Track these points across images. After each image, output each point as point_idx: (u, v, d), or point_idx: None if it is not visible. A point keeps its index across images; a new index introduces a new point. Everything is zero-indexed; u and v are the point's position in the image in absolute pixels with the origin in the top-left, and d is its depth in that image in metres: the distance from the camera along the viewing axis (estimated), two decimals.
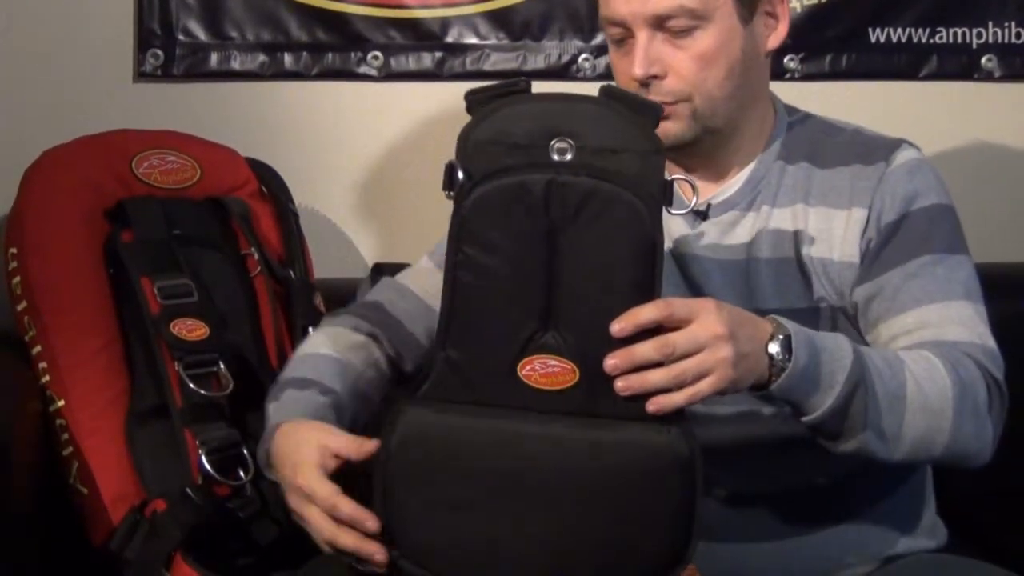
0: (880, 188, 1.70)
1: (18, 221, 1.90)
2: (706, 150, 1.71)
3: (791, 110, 1.79)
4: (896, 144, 1.74)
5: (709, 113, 1.68)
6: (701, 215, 1.74)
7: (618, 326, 1.44)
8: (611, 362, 1.44)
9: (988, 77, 2.45)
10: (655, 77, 1.65)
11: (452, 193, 1.45)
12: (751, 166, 1.74)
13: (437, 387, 1.48)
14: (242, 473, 1.80)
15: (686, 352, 1.44)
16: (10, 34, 2.26)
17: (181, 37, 2.30)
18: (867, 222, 1.70)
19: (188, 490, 1.76)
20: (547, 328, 1.46)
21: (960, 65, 2.45)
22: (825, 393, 1.52)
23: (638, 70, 1.65)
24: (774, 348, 1.51)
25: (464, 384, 1.47)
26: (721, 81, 1.67)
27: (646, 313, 1.44)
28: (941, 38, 2.44)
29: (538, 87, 1.53)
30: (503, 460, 1.47)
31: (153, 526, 1.75)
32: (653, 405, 1.44)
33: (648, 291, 1.46)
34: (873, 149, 1.74)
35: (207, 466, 1.78)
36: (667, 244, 1.68)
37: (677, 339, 1.44)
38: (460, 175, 1.45)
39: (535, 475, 1.47)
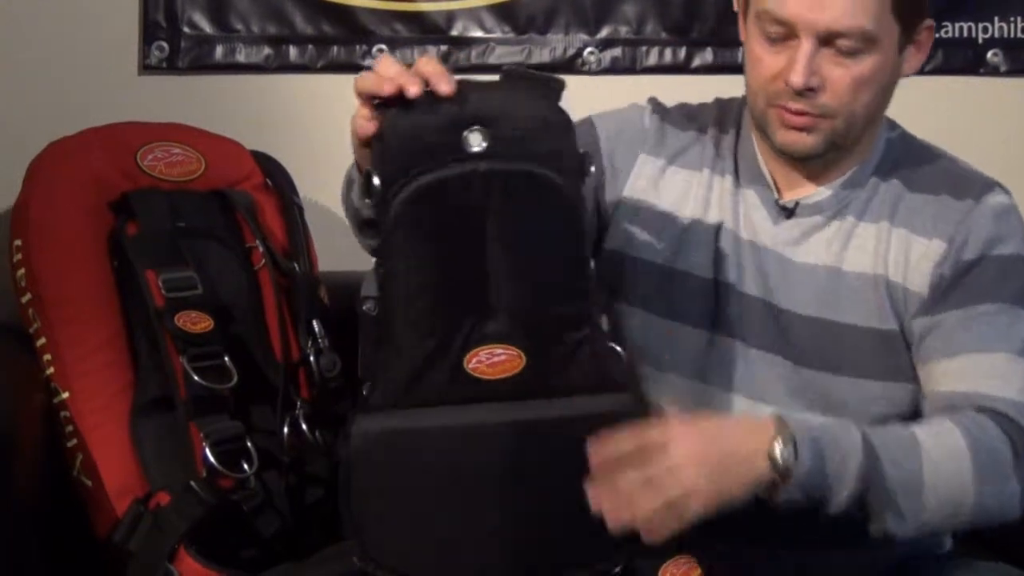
0: (963, 225, 1.68)
1: (23, 213, 1.90)
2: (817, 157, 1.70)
3: (889, 125, 1.77)
4: (989, 185, 1.73)
5: (845, 133, 1.66)
6: (787, 212, 1.73)
7: (596, 459, 1.46)
8: (596, 501, 1.46)
9: (994, 72, 2.45)
10: (811, 89, 1.62)
11: (372, 201, 1.45)
12: (846, 175, 1.72)
13: (386, 393, 1.48)
14: (246, 466, 1.80)
15: (661, 474, 1.46)
16: (16, 27, 2.26)
17: (186, 30, 2.31)
18: (943, 257, 1.68)
19: (192, 483, 1.76)
20: (487, 318, 1.46)
21: (966, 60, 2.45)
22: (838, 490, 1.51)
23: (798, 79, 1.61)
24: (778, 450, 1.50)
25: (412, 386, 1.47)
26: (867, 104, 1.65)
27: (621, 443, 1.47)
28: (947, 32, 2.44)
29: None
30: (461, 457, 1.48)
31: (157, 518, 1.75)
32: (647, 536, 1.46)
33: (580, 264, 1.48)
34: (965, 184, 1.72)
35: (211, 459, 1.78)
36: (747, 233, 1.72)
37: (654, 464, 1.46)
38: (376, 182, 1.44)
39: (497, 466, 1.48)
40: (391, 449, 1.48)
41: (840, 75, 1.62)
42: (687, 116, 1.83)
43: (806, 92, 1.62)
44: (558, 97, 1.48)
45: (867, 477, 1.51)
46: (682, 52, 2.41)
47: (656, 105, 1.85)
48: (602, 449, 1.46)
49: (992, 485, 1.56)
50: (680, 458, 1.47)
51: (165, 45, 2.30)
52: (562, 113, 1.47)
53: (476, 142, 1.43)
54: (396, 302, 1.46)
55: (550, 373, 1.48)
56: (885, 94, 1.68)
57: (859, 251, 1.71)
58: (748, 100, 1.72)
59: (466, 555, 1.51)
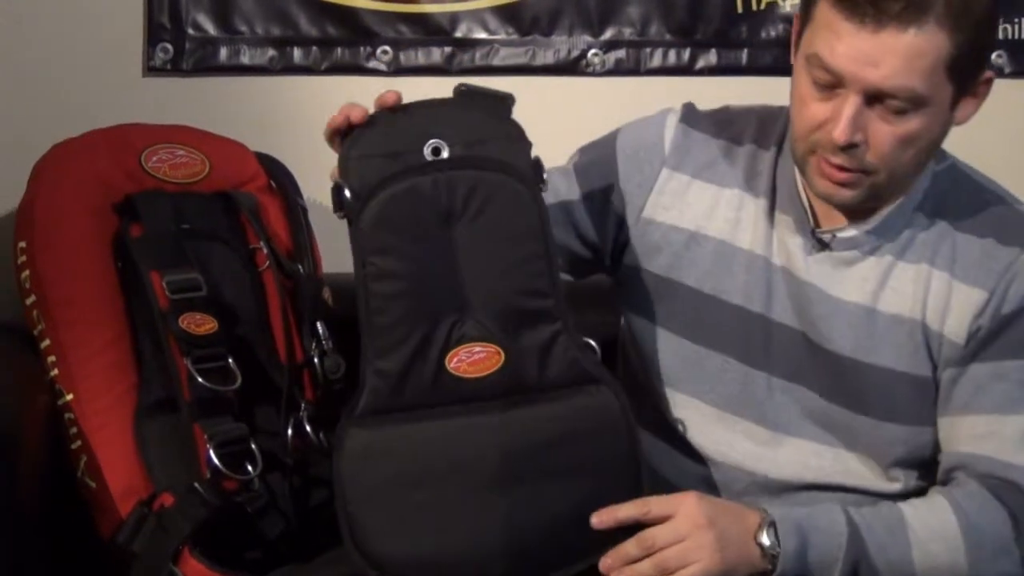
0: (1006, 275, 1.64)
1: (28, 215, 1.90)
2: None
3: (938, 156, 1.71)
4: None
5: (887, 186, 1.62)
6: (822, 244, 1.69)
7: (597, 519, 1.53)
8: (604, 563, 1.53)
9: (998, 74, 2.44)
10: (854, 145, 1.57)
11: (343, 213, 1.55)
12: (888, 210, 1.67)
13: (372, 401, 1.55)
14: (250, 467, 1.80)
15: (667, 544, 1.52)
16: (20, 28, 2.26)
17: (191, 31, 2.31)
18: (982, 307, 1.64)
19: (196, 484, 1.76)
20: (464, 318, 1.54)
21: None
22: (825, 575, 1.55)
23: (842, 136, 1.55)
24: (763, 538, 1.55)
25: (397, 392, 1.54)
26: (911, 159, 1.60)
27: (625, 511, 1.54)
28: None
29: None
30: (449, 458, 1.53)
31: (161, 520, 1.75)
32: None
33: (547, 260, 1.56)
34: (1014, 229, 1.67)
35: (215, 460, 1.77)
36: (780, 259, 1.71)
37: (657, 533, 1.53)
38: (347, 194, 1.54)
39: (483, 465, 1.53)
40: (381, 457, 1.53)
41: (885, 132, 1.56)
42: (721, 124, 1.78)
43: (848, 148, 1.57)
44: (509, 110, 1.57)
45: (855, 560, 1.55)
46: (686, 54, 2.41)
47: (686, 112, 1.80)
48: (608, 512, 1.53)
49: (987, 563, 1.57)
50: (687, 529, 1.53)
51: (169, 47, 2.30)
52: (514, 125, 1.57)
53: (437, 153, 1.54)
54: (373, 308, 1.51)
55: (528, 368, 1.55)
56: (933, 148, 1.63)
57: (896, 292, 1.67)
58: (790, 137, 1.66)
59: (461, 553, 1.53)
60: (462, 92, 1.57)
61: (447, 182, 1.52)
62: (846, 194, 1.61)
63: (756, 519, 1.57)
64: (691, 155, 1.76)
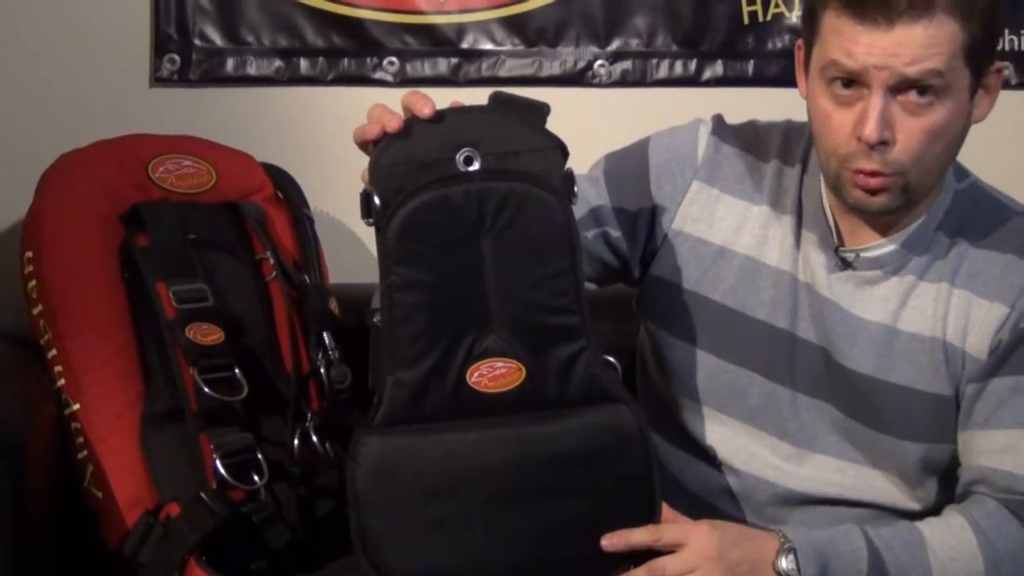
0: None
1: (34, 225, 1.91)
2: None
3: (959, 174, 1.72)
4: None
5: (918, 187, 1.61)
6: (845, 263, 1.69)
7: (608, 542, 1.52)
8: None
9: (1004, 85, 2.44)
10: (884, 143, 1.56)
11: (372, 220, 1.51)
12: (910, 229, 1.67)
13: (390, 411, 1.52)
14: (256, 478, 1.80)
15: (676, 574, 1.52)
16: (27, 38, 2.27)
17: (197, 42, 2.31)
18: (1003, 322, 1.64)
19: (202, 494, 1.76)
20: (487, 332, 1.52)
21: None
22: None
23: (873, 133, 1.54)
24: (782, 564, 1.55)
25: (417, 403, 1.52)
26: (939, 155, 1.59)
27: (637, 536, 1.53)
28: None
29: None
30: (464, 472, 1.52)
31: (167, 530, 1.75)
32: None
33: (574, 276, 1.53)
34: None
35: (221, 470, 1.78)
36: (805, 276, 1.71)
37: (667, 563, 1.53)
38: (377, 201, 1.50)
39: (501, 479, 1.52)
40: (397, 467, 1.51)
41: (912, 126, 1.56)
42: (748, 139, 1.78)
43: (878, 147, 1.56)
44: (543, 120, 1.54)
45: None
46: (692, 65, 2.41)
47: (717, 125, 1.79)
48: (620, 536, 1.52)
49: None
50: (696, 561, 1.53)
51: (176, 57, 2.30)
52: (548, 136, 1.54)
53: (469, 162, 1.51)
54: (396, 318, 1.50)
55: (549, 385, 1.53)
56: (957, 144, 1.63)
57: (916, 312, 1.67)
58: (819, 159, 1.66)
59: (472, 568, 1.53)
60: (497, 100, 1.55)
61: (478, 193, 1.50)
62: (881, 200, 1.60)
63: (774, 545, 1.56)
64: (721, 169, 1.76)
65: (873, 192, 1.59)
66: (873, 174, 1.58)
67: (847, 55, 1.54)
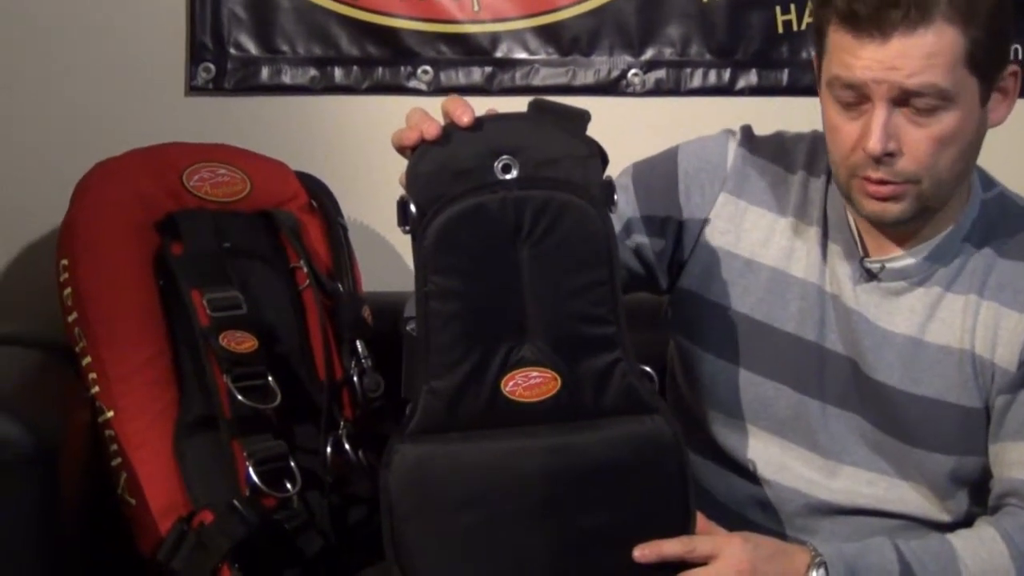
0: None
1: (70, 232, 1.92)
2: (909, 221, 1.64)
3: (986, 183, 1.71)
4: None
5: (933, 195, 1.59)
6: (870, 274, 1.68)
7: (640, 553, 1.51)
8: None
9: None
10: (890, 154, 1.56)
11: (408, 228, 1.50)
12: (937, 240, 1.66)
13: (425, 419, 1.51)
14: (289, 485, 1.81)
15: None
16: (63, 48, 2.28)
17: (233, 51, 2.32)
18: None
19: (235, 502, 1.76)
20: (523, 341, 1.51)
21: None
22: None
23: (876, 145, 1.54)
24: None
25: (451, 412, 1.51)
26: (952, 163, 1.58)
27: (669, 547, 1.52)
28: None
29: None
30: (502, 481, 1.51)
31: (200, 537, 1.76)
32: None
33: (611, 286, 1.51)
34: None
35: (254, 478, 1.78)
36: (832, 288, 1.70)
37: (699, 574, 1.52)
38: (413, 209, 1.49)
39: (535, 489, 1.51)
40: (431, 475, 1.51)
41: (918, 136, 1.55)
42: (775, 151, 1.77)
43: (885, 158, 1.56)
44: (584, 127, 1.53)
45: None
46: (727, 74, 2.40)
47: (745, 136, 1.78)
48: (652, 547, 1.51)
49: None
50: (728, 574, 1.52)
51: (212, 66, 2.31)
52: (588, 143, 1.53)
53: (507, 170, 1.50)
54: (432, 326, 1.49)
55: (584, 395, 1.52)
56: (972, 150, 1.61)
57: (944, 324, 1.66)
58: (832, 169, 1.66)
59: None
60: (536, 107, 1.54)
61: (515, 202, 1.48)
62: (894, 209, 1.59)
63: (805, 559, 1.56)
64: (749, 181, 1.75)
65: (885, 200, 1.58)
66: (882, 183, 1.57)
67: (848, 69, 1.55)
